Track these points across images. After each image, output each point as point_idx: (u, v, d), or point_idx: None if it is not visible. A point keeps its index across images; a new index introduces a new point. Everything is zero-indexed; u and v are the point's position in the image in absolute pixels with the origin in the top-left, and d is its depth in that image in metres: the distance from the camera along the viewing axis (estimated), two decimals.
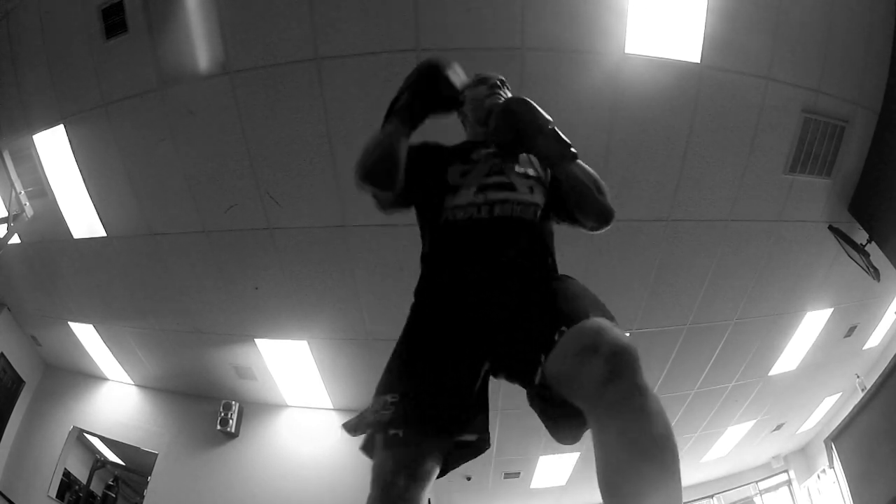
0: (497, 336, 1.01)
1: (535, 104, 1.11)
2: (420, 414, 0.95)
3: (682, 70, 2.97)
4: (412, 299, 1.17)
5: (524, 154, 1.22)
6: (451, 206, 1.14)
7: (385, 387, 1.00)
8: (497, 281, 1.05)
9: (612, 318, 0.90)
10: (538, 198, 1.17)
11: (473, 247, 1.10)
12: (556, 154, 1.09)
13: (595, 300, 0.97)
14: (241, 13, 2.80)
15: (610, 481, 0.73)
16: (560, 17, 2.76)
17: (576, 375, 0.81)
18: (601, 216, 1.14)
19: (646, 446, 0.72)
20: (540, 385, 0.90)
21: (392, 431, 0.94)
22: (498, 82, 1.35)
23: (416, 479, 0.93)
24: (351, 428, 1.02)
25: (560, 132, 1.09)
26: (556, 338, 0.86)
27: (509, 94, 1.36)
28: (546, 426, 0.99)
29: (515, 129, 1.09)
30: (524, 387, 0.98)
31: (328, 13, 2.72)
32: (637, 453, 0.72)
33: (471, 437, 0.99)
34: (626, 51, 2.88)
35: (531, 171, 1.21)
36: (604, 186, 1.13)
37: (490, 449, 1.04)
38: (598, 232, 1.18)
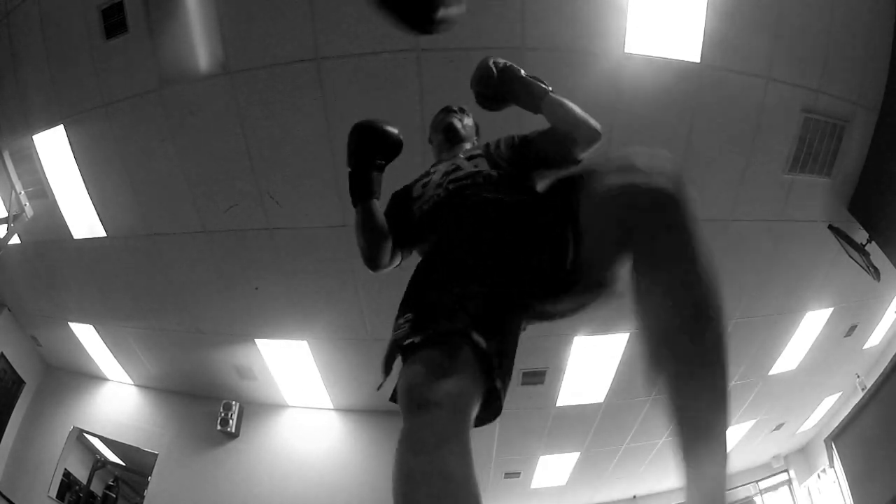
0: (509, 258, 0.96)
1: (502, 61, 1.22)
2: (431, 316, 0.89)
3: (682, 70, 2.97)
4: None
5: (471, 141, 1.44)
6: (418, 205, 1.24)
7: (399, 314, 0.97)
8: (486, 226, 1.05)
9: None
10: (483, 166, 1.23)
11: (447, 219, 1.14)
12: (535, 94, 1.19)
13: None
14: (241, 13, 2.81)
15: (655, 352, 0.70)
16: (560, 17, 2.76)
17: (616, 220, 0.77)
18: (587, 131, 1.18)
19: (694, 316, 0.69)
20: (571, 268, 0.87)
21: (407, 341, 0.87)
22: (454, 108, 1.50)
23: (448, 388, 0.77)
24: (381, 382, 0.96)
25: (525, 76, 1.20)
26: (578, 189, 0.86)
27: (467, 119, 1.51)
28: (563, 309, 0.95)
29: (489, 81, 1.21)
30: (546, 297, 0.94)
31: (328, 13, 2.72)
32: (686, 323, 0.69)
33: (481, 341, 0.82)
34: (626, 50, 2.88)
35: (476, 151, 1.30)
36: (579, 113, 1.18)
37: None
38: (589, 151, 1.21)
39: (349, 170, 1.20)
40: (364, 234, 1.21)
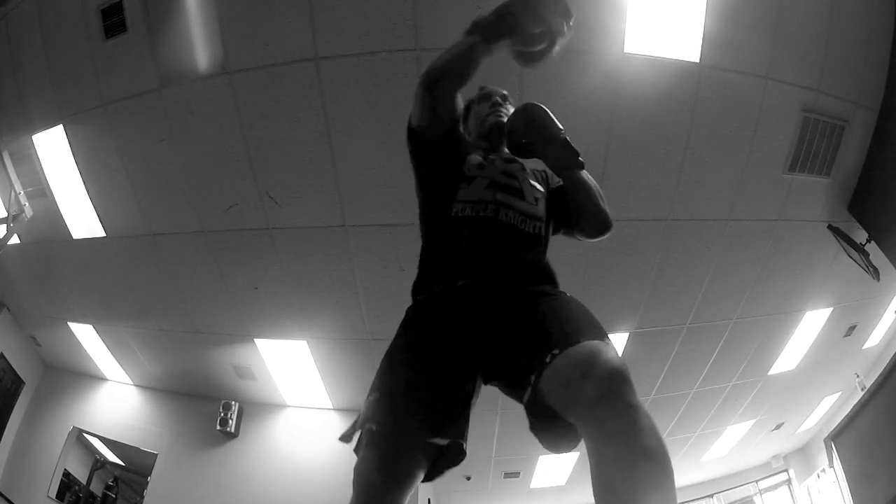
0: (489, 350, 1.01)
1: (549, 111, 1.21)
2: (391, 410, 0.97)
3: (682, 70, 2.97)
4: (412, 299, 1.17)
5: (532, 171, 1.32)
6: (462, 199, 1.16)
7: (371, 387, 1.04)
8: (490, 295, 1.05)
9: (605, 338, 0.91)
10: (541, 211, 1.22)
11: (473, 249, 1.11)
12: (567, 159, 1.19)
13: (590, 320, 0.97)
14: (240, 13, 2.80)
15: (604, 497, 0.73)
16: None
17: (570, 396, 0.82)
18: (601, 223, 1.22)
19: (637, 462, 0.72)
20: (530, 402, 0.91)
21: (367, 426, 0.98)
22: (499, 99, 1.39)
23: (395, 478, 0.97)
24: (345, 436, 1.06)
25: (570, 141, 1.20)
26: (548, 360, 0.87)
27: (512, 110, 1.40)
28: (537, 437, 0.99)
29: (530, 131, 1.19)
30: (516, 400, 0.97)
31: (328, 13, 2.72)
32: (629, 469, 0.72)
33: (442, 442, 0.96)
34: (626, 50, 2.88)
35: (539, 186, 1.27)
36: (604, 197, 1.22)
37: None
38: (595, 240, 1.26)
39: (497, 14, 1.15)
40: (456, 62, 1.16)
